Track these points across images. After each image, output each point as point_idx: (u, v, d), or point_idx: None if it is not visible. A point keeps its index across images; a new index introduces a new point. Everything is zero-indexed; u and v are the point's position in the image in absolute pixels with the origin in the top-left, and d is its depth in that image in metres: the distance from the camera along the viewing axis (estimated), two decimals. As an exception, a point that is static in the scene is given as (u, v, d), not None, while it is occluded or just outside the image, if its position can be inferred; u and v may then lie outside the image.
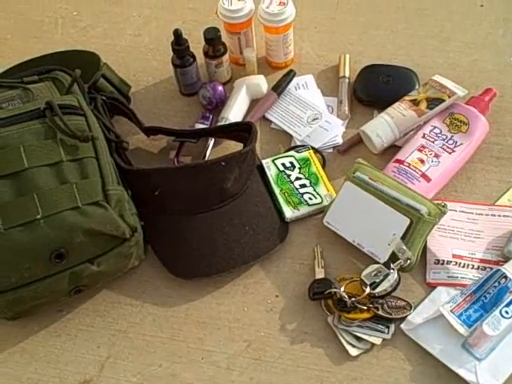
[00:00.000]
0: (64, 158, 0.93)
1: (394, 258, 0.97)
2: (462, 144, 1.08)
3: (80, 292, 0.96)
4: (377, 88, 1.18)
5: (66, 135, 0.93)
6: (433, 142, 1.08)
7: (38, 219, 0.88)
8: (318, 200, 1.06)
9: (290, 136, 1.17)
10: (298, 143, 1.15)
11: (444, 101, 1.11)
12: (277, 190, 1.08)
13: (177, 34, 1.14)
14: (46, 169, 0.92)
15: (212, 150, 1.15)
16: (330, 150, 1.15)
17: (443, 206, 0.98)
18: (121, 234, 0.93)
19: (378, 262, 0.97)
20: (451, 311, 0.92)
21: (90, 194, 0.92)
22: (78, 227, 0.89)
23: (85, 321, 1.01)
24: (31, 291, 0.90)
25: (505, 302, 0.91)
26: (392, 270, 0.95)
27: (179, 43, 1.15)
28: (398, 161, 1.07)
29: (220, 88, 1.19)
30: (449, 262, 0.99)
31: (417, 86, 1.16)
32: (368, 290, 0.95)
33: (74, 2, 1.42)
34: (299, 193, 1.07)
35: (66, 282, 0.92)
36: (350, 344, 0.94)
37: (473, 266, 0.98)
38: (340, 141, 1.15)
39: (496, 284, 0.93)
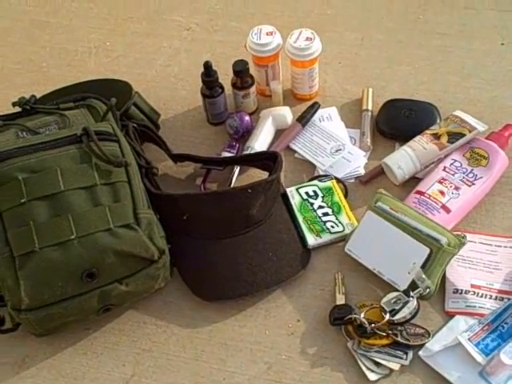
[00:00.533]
0: (98, 181, 0.97)
1: (413, 286, 0.99)
2: (481, 177, 1.10)
3: (108, 311, 0.99)
4: (399, 121, 1.21)
5: (100, 160, 0.98)
6: (453, 175, 1.11)
7: (71, 239, 0.92)
8: (340, 228, 1.09)
9: (314, 166, 1.20)
10: (322, 173, 1.18)
11: (465, 135, 1.14)
12: (300, 218, 1.11)
13: (207, 66, 1.18)
14: (80, 191, 0.96)
15: (237, 177, 1.19)
16: (353, 181, 1.18)
17: (463, 237, 1.00)
18: (150, 256, 0.96)
19: (398, 290, 1.00)
20: (469, 339, 0.94)
21: (122, 217, 0.95)
22: (109, 248, 0.93)
23: (110, 339, 1.04)
24: (62, 309, 0.94)
25: (522, 332, 0.93)
26: (411, 298, 0.97)
27: (209, 75, 1.20)
28: (418, 192, 1.10)
29: (247, 118, 1.23)
30: (467, 292, 1.01)
31: (438, 121, 1.19)
32: (387, 316, 0.97)
33: (107, 33, 1.48)
34: (322, 221, 1.10)
35: (95, 300, 0.95)
36: (369, 369, 0.96)
37: (491, 296, 1.00)
38: (362, 172, 1.18)
39: (513, 314, 0.95)
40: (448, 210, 1.07)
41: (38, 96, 1.21)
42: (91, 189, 0.96)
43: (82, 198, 0.95)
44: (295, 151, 1.23)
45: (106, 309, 0.98)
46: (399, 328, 0.98)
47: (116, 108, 1.09)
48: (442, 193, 1.09)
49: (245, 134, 1.23)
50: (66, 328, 1.02)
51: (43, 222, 0.93)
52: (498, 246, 1.06)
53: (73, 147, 0.98)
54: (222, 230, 1.06)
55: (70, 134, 0.99)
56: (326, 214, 1.11)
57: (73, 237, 0.92)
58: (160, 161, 1.22)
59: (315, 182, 1.15)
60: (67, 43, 1.47)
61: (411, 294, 0.98)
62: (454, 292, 1.01)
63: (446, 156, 1.14)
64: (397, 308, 0.98)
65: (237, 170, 1.19)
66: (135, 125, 1.14)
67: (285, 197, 1.14)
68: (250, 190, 1.04)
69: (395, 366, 0.96)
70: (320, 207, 1.12)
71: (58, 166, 0.96)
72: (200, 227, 1.06)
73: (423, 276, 0.98)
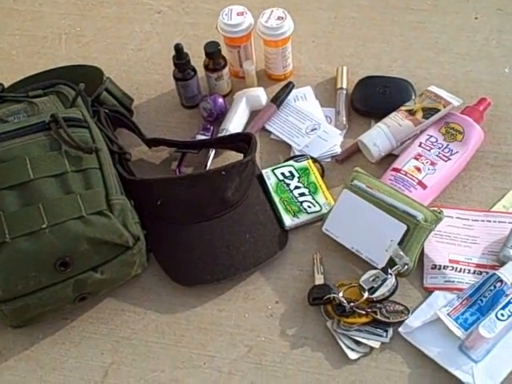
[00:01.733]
0: (68, 168, 0.95)
1: (391, 263, 0.98)
2: (457, 152, 1.10)
3: (84, 299, 0.98)
4: (374, 99, 1.21)
5: (70, 147, 0.96)
6: (429, 151, 1.11)
7: (43, 228, 0.91)
8: (317, 208, 1.09)
9: (289, 146, 1.19)
10: (297, 153, 1.17)
11: (439, 110, 1.13)
12: (276, 199, 1.10)
13: (178, 49, 1.17)
14: (51, 179, 0.94)
15: (213, 160, 1.18)
16: (329, 160, 1.17)
17: (439, 213, 1.00)
18: (124, 243, 0.95)
19: (376, 268, 0.99)
20: (448, 314, 0.94)
21: (94, 204, 0.94)
22: (82, 236, 0.92)
23: (89, 328, 1.03)
24: (37, 299, 0.93)
25: (500, 305, 0.93)
26: (390, 276, 0.97)
27: (180, 57, 1.18)
28: (395, 169, 1.09)
29: (220, 100, 1.22)
30: (445, 267, 1.01)
31: (413, 97, 1.19)
32: (366, 294, 0.97)
33: (78, 18, 1.45)
34: (298, 201, 1.09)
35: (70, 289, 0.94)
36: (350, 348, 0.96)
37: (469, 270, 1.00)
38: (338, 150, 1.17)
39: (492, 288, 0.95)
40: (424, 186, 1.07)
41: (7, 84, 1.19)
42: (62, 176, 0.95)
43: (52, 186, 0.94)
44: (271, 132, 1.21)
45: (81, 297, 0.97)
46: (378, 306, 0.97)
47: (87, 94, 1.08)
48: (418, 169, 1.08)
49: (219, 116, 1.22)
50: (42, 318, 1.01)
51: (13, 212, 0.91)
52: (475, 221, 1.06)
53: (41, 135, 0.97)
54: (198, 214, 1.05)
55: (39, 122, 0.98)
56: (302, 195, 1.10)
57: (44, 226, 0.91)
58: (134, 146, 1.21)
59: (291, 162, 1.15)
60: (36, 30, 1.44)
61: (389, 271, 0.97)
62: (432, 268, 1.01)
63: (421, 132, 1.13)
64: (375, 286, 0.97)
65: (212, 152, 1.18)
66: (107, 110, 1.13)
67: (261, 178, 1.13)
68: (224, 173, 1.03)
69: (375, 344, 0.96)
70: (296, 187, 1.11)
71: (26, 154, 0.94)
72: (175, 212, 1.05)
73: (401, 253, 0.98)
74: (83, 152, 0.96)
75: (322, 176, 1.14)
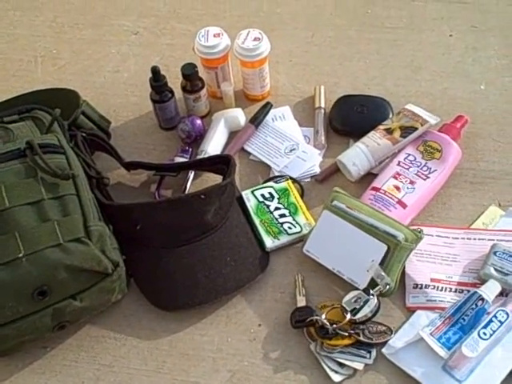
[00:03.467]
0: (45, 196, 0.94)
1: (373, 283, 0.98)
2: (436, 170, 1.10)
3: (64, 328, 0.97)
4: (352, 118, 1.21)
5: (46, 174, 0.95)
6: (407, 169, 1.11)
7: (19, 258, 0.90)
8: (298, 229, 1.08)
9: (269, 167, 1.19)
10: (277, 174, 1.17)
11: (417, 129, 1.14)
12: (257, 221, 1.09)
13: (154, 71, 1.16)
14: (27, 207, 0.93)
15: (192, 182, 1.17)
16: (308, 180, 1.17)
17: (419, 232, 1.00)
18: (103, 270, 0.94)
19: (358, 289, 0.99)
20: (431, 334, 0.94)
21: (72, 231, 0.93)
22: (60, 264, 0.90)
23: (69, 356, 1.01)
24: (15, 329, 0.91)
25: (482, 324, 0.93)
26: (372, 296, 0.97)
27: (157, 79, 1.18)
28: (374, 188, 1.10)
29: (198, 122, 1.21)
30: (427, 286, 1.00)
31: (390, 115, 1.19)
32: (349, 316, 0.96)
33: (53, 41, 1.44)
34: (279, 222, 1.09)
35: (49, 318, 0.93)
36: (333, 370, 0.95)
37: (450, 289, 1.00)
38: (317, 170, 1.17)
39: (473, 306, 0.95)
40: (404, 205, 1.07)
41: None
42: (38, 204, 0.93)
43: (28, 213, 0.92)
44: (249, 153, 1.21)
45: (61, 326, 0.96)
46: (361, 327, 0.97)
47: (64, 118, 1.07)
48: (398, 188, 1.08)
49: (198, 137, 1.21)
50: (21, 348, 0.99)
51: (-12, 241, 0.90)
52: (455, 238, 1.06)
53: (17, 162, 0.96)
54: (178, 238, 1.04)
55: (14, 149, 0.97)
56: (282, 216, 1.10)
57: (21, 255, 0.89)
58: (112, 169, 1.20)
59: (270, 183, 1.14)
60: (12, 52, 1.43)
61: (371, 291, 0.97)
62: (414, 287, 1.01)
63: (399, 150, 1.14)
64: (358, 307, 0.97)
65: (191, 175, 1.17)
66: (84, 134, 1.12)
67: (240, 200, 1.12)
68: (203, 196, 1.03)
69: (359, 366, 0.95)
70: (276, 209, 1.11)
71: (1, 181, 0.93)
72: (155, 236, 1.04)
73: (382, 273, 0.97)
74: (60, 179, 0.95)
75: (302, 196, 1.14)
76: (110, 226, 1.01)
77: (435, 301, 0.99)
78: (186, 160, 1.18)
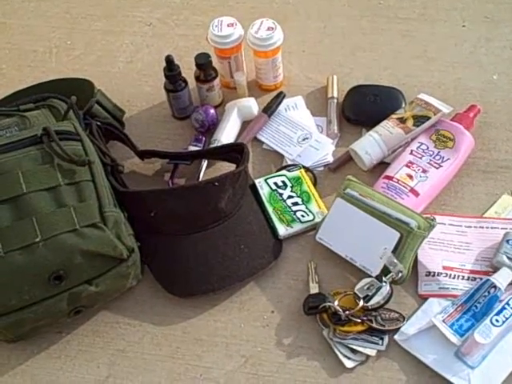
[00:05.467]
0: (61, 182, 0.95)
1: (385, 271, 0.99)
2: (448, 159, 1.11)
3: (79, 313, 0.98)
4: (364, 107, 1.21)
5: (62, 160, 0.96)
6: (420, 158, 1.11)
7: (36, 242, 0.91)
8: (311, 217, 1.09)
9: (282, 156, 1.19)
10: (290, 162, 1.18)
11: (430, 118, 1.14)
12: (270, 209, 1.10)
13: (168, 60, 1.17)
14: (44, 193, 0.94)
15: (205, 171, 1.18)
16: (321, 169, 1.17)
17: (432, 220, 1.00)
18: (118, 255, 0.95)
19: (371, 276, 1.00)
20: (443, 321, 0.94)
21: (88, 217, 0.94)
22: (76, 249, 0.91)
23: (84, 341, 1.02)
24: (31, 313, 0.92)
25: (495, 311, 0.93)
26: (384, 283, 0.97)
27: (171, 69, 1.18)
28: (387, 177, 1.10)
29: (212, 111, 1.22)
30: (439, 274, 1.01)
31: (403, 105, 1.19)
32: (361, 303, 0.97)
33: (68, 31, 1.45)
34: (292, 210, 1.10)
35: (65, 303, 0.94)
36: (346, 356, 0.96)
37: (463, 276, 1.01)
38: (330, 159, 1.18)
39: (486, 293, 0.95)
40: (417, 194, 1.07)
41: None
42: (55, 189, 0.94)
43: (45, 199, 0.94)
44: (262, 142, 1.22)
45: (76, 311, 0.97)
46: (374, 314, 0.98)
47: (78, 107, 1.08)
48: (410, 176, 1.09)
49: (211, 127, 1.22)
50: (37, 332, 1.00)
51: (6, 226, 0.91)
52: (468, 227, 1.06)
53: (33, 148, 0.97)
54: (191, 225, 1.05)
55: (31, 135, 0.97)
56: (295, 204, 1.10)
57: (37, 239, 0.90)
58: (126, 158, 1.21)
59: (283, 172, 1.15)
60: (27, 44, 1.44)
61: (384, 279, 0.98)
62: (426, 275, 1.02)
63: (412, 139, 1.14)
64: (370, 294, 0.97)
65: (204, 163, 1.18)
66: (99, 123, 1.12)
67: (254, 188, 1.13)
68: (216, 183, 1.03)
69: (371, 352, 0.96)
70: (289, 197, 1.11)
71: (19, 168, 0.94)
72: (169, 223, 1.05)
73: (395, 260, 0.98)
74: (76, 165, 0.96)
75: (315, 185, 1.14)
76: (124, 212, 1.02)
77: (448, 288, 0.99)
78: (199, 149, 1.19)
